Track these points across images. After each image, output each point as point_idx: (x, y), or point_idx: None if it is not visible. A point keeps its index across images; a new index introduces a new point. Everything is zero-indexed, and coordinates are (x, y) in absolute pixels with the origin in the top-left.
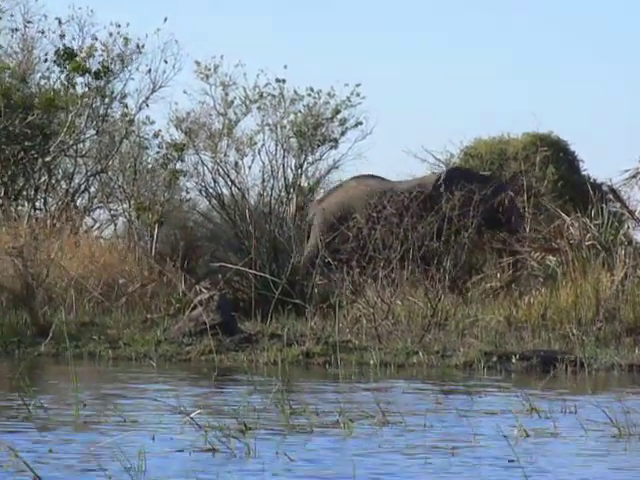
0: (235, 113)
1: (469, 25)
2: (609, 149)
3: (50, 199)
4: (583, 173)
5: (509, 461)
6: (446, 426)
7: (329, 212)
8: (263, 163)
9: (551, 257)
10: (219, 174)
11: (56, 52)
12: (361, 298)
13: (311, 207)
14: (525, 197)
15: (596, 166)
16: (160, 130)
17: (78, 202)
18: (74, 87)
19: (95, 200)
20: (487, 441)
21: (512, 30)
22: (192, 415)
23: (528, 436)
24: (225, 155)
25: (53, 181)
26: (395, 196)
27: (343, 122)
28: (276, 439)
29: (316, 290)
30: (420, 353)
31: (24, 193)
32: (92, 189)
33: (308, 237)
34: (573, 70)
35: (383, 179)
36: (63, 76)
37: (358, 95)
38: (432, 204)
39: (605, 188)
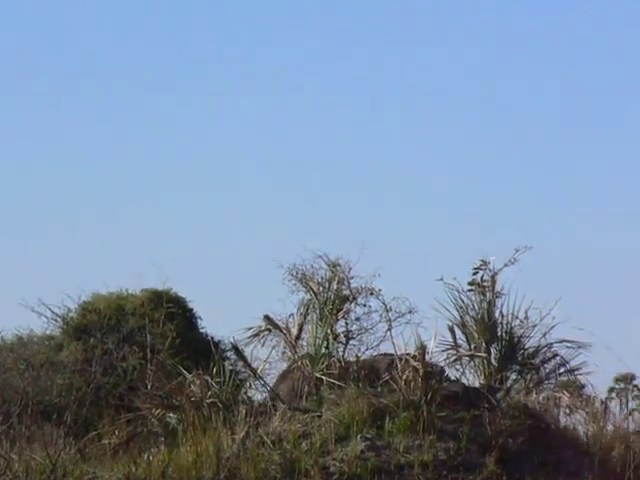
0: None
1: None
2: (229, 307)
3: None
4: (201, 330)
5: None
6: None
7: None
8: None
9: (172, 414)
10: None
11: None
12: None
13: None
14: (147, 353)
15: (216, 324)
16: None
17: None
18: None
19: None
20: None
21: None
22: None
23: None
24: None
25: None
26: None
27: None
28: None
29: None
30: None
31: None
32: None
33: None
34: (196, 229)
35: None
36: None
37: None
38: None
39: (224, 346)
